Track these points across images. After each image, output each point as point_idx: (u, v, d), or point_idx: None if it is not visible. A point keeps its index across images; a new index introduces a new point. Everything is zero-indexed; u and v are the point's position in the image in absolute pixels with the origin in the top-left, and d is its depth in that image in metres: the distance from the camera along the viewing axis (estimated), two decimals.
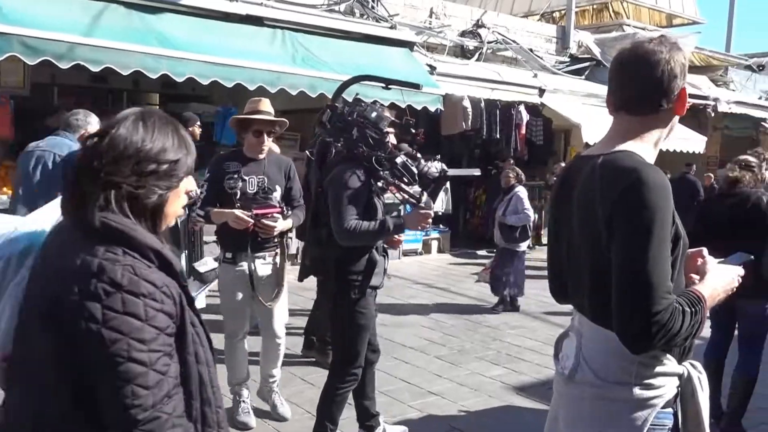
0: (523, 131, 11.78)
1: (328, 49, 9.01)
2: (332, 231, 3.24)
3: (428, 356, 5.76)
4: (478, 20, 12.34)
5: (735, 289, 1.84)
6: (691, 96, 9.88)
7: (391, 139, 3.39)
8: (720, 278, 1.79)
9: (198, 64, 7.29)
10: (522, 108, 11.63)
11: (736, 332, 4.60)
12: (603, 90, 10.83)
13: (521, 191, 7.68)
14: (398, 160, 3.23)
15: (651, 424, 1.74)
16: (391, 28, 10.39)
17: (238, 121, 4.09)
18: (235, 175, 4.00)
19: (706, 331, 6.29)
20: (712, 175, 14.14)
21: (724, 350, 4.63)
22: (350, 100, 3.60)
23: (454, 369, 5.47)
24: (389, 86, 3.74)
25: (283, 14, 8.90)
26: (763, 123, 17.48)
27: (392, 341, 6.01)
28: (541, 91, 11.75)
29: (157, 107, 10.49)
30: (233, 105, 9.39)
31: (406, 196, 3.31)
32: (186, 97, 10.27)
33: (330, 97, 5.69)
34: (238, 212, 3.88)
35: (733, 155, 6.74)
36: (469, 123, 10.65)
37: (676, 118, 1.82)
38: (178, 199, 1.51)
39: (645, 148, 1.80)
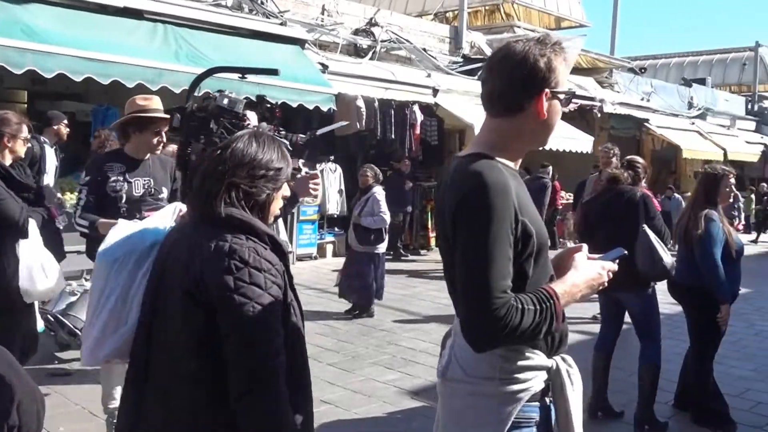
0: (418, 131, 11.94)
1: (215, 45, 8.77)
2: None
3: (321, 364, 5.68)
4: (371, 19, 12.40)
5: (606, 283, 1.88)
6: (579, 97, 10.42)
7: (253, 121, 3.30)
8: (582, 274, 1.83)
9: (69, 59, 6.88)
10: (416, 108, 11.80)
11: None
12: None
13: (378, 192, 7.44)
14: None
15: (516, 418, 1.77)
16: (281, 24, 10.25)
17: (135, 119, 3.82)
18: (120, 178, 3.77)
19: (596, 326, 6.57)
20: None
21: (611, 343, 4.85)
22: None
23: (348, 376, 5.44)
24: (244, 76, 3.64)
25: (166, 8, 8.58)
26: (645, 123, 18.63)
27: None
28: (435, 91, 11.96)
29: (25, 105, 9.94)
30: (111, 104, 8.94)
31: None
32: (59, 95, 9.68)
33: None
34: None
35: (619, 154, 7.18)
36: (363, 123, 10.67)
37: (545, 120, 1.81)
38: (279, 199, 1.94)
39: (502, 148, 1.82)
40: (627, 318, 4.85)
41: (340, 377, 5.39)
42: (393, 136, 11.41)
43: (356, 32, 12.25)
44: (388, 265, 10.94)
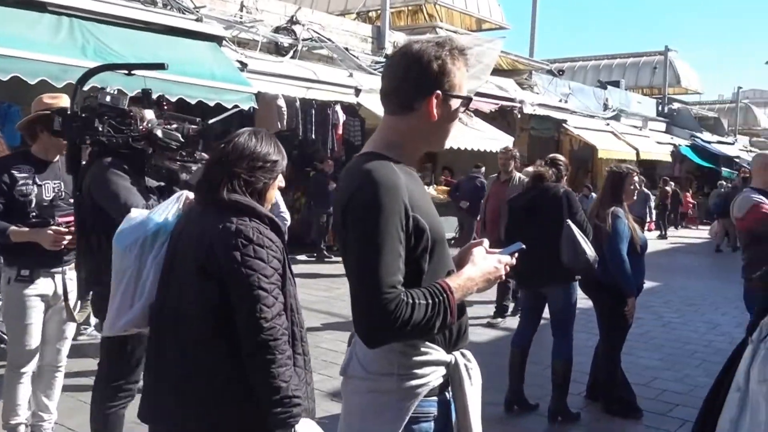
0: (340, 131, 11.92)
1: (126, 41, 8.47)
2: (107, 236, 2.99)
3: None
4: (292, 17, 12.30)
5: (504, 277, 1.92)
6: (499, 98, 10.64)
7: (149, 117, 3.21)
8: (479, 268, 1.86)
9: None
10: (338, 108, 11.77)
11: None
12: None
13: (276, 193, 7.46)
14: (157, 132, 3.05)
15: (414, 413, 1.79)
16: (197, 20, 10.03)
17: (44, 117, 3.57)
18: (29, 181, 3.57)
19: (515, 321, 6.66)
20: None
21: (528, 338, 4.98)
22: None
23: None
24: (132, 72, 3.53)
25: (71, 0, 8.22)
26: (564, 124, 19.24)
27: None
28: (357, 91, 11.96)
29: None
30: (12, 101, 8.50)
31: (191, 162, 3.15)
32: None
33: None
34: (53, 229, 3.46)
35: (539, 154, 7.40)
36: (285, 123, 10.56)
37: (437, 121, 1.83)
38: (275, 188, 2.29)
39: (396, 147, 1.84)
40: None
41: None
42: (315, 137, 11.35)
43: (277, 30, 12.12)
44: (312, 267, 10.92)
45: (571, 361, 4.79)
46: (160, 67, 3.44)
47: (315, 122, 11.21)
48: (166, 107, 3.30)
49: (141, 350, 2.97)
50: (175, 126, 3.09)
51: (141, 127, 3.11)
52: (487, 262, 1.89)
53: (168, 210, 2.43)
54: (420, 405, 1.80)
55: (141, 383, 2.69)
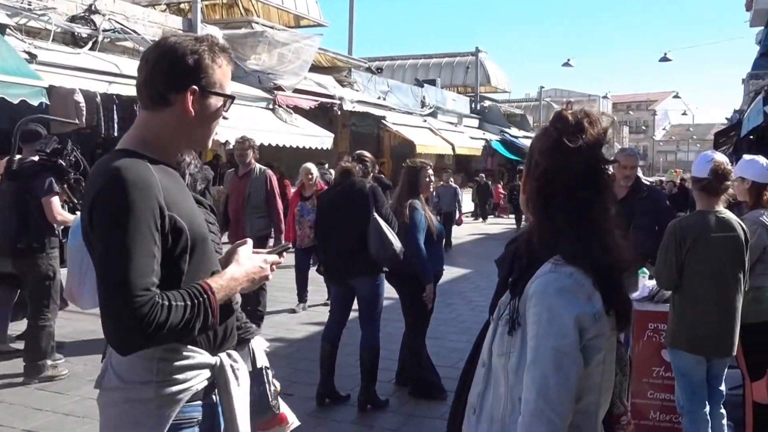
0: None
1: None
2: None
3: (28, 388, 5.12)
4: (90, 5, 11.50)
5: (269, 277, 1.92)
6: (319, 95, 10.60)
7: None
8: (243, 268, 1.85)
9: None
10: None
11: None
12: (232, 86, 10.95)
13: None
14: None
15: (176, 420, 1.74)
16: None
17: None
18: None
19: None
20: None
21: (338, 332, 5.05)
22: None
23: (59, 399, 4.96)
24: None
25: None
26: (383, 121, 19.80)
27: None
28: None
29: None
30: None
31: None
32: None
33: None
34: None
35: (361, 150, 7.48)
36: (84, 119, 9.84)
37: (194, 118, 1.79)
38: None
39: (151, 144, 1.79)
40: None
41: (49, 401, 4.90)
42: (119, 134, 10.69)
43: (73, 19, 11.28)
44: None
45: (378, 350, 4.94)
46: None
47: (119, 119, 10.56)
48: None
49: None
50: None
51: None
52: (252, 261, 1.88)
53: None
54: (182, 411, 1.76)
55: None
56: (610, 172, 1.78)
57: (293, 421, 2.71)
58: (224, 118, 1.89)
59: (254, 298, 6.44)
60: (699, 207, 3.62)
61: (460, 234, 17.15)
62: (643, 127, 79.19)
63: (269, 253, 1.96)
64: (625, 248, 1.76)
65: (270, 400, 2.60)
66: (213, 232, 2.67)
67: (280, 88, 15.07)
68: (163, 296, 1.61)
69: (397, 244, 4.68)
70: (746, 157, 4.36)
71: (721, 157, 3.64)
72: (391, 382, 5.38)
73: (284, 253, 2.00)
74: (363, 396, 4.87)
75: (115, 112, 10.54)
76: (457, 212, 15.22)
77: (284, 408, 2.68)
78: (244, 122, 12.94)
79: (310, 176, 8.26)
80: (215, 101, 1.82)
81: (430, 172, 5.16)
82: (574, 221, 1.68)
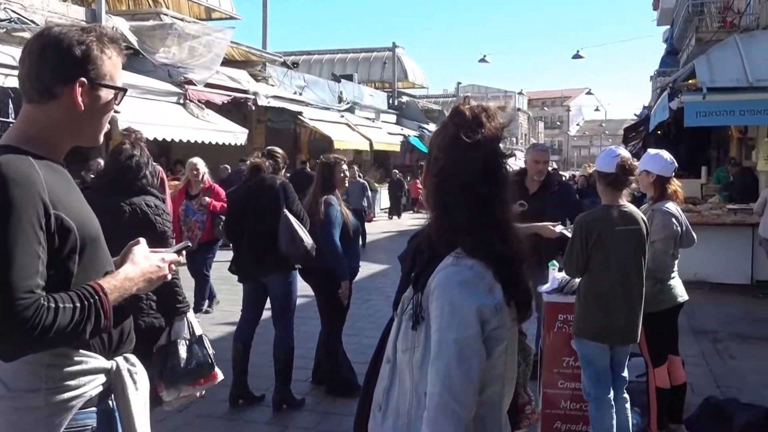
0: None
1: None
2: None
3: None
4: None
5: (168, 276, 1.87)
6: (231, 89, 10.31)
7: None
8: (139, 267, 1.80)
9: None
10: None
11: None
12: (140, 80, 10.55)
13: None
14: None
15: (68, 428, 1.68)
16: None
17: None
18: None
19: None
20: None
21: (250, 333, 4.96)
22: None
23: None
24: None
25: None
26: (299, 116, 19.62)
27: None
28: None
29: None
30: None
31: None
32: None
33: None
34: None
35: (278, 146, 7.33)
36: None
37: (84, 111, 1.73)
38: None
39: (37, 140, 1.71)
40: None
41: None
42: None
43: None
44: None
45: (292, 348, 4.90)
46: None
47: (15, 113, 10.03)
48: None
49: None
50: None
51: None
52: (149, 261, 1.83)
53: None
54: (74, 418, 1.69)
55: None
56: (509, 167, 1.82)
57: (221, 375, 3.36)
58: (116, 111, 1.83)
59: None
60: (604, 201, 3.75)
61: (376, 230, 17.24)
62: (558, 123, 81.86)
63: (168, 251, 1.91)
64: (523, 240, 1.80)
65: (211, 361, 3.31)
66: (166, 223, 3.43)
67: (191, 83, 14.70)
68: (50, 298, 1.54)
69: (308, 240, 4.65)
70: (651, 151, 4.57)
71: (626, 153, 3.80)
72: (307, 380, 5.35)
73: (184, 252, 1.95)
74: (278, 395, 4.83)
75: (10, 106, 10.02)
76: (367, 208, 15.13)
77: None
78: (153, 117, 12.56)
79: (195, 172, 7.51)
80: (106, 94, 1.76)
81: (345, 167, 5.15)
82: (474, 215, 1.70)
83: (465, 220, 1.70)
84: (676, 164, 4.38)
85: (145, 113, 12.43)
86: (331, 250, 4.84)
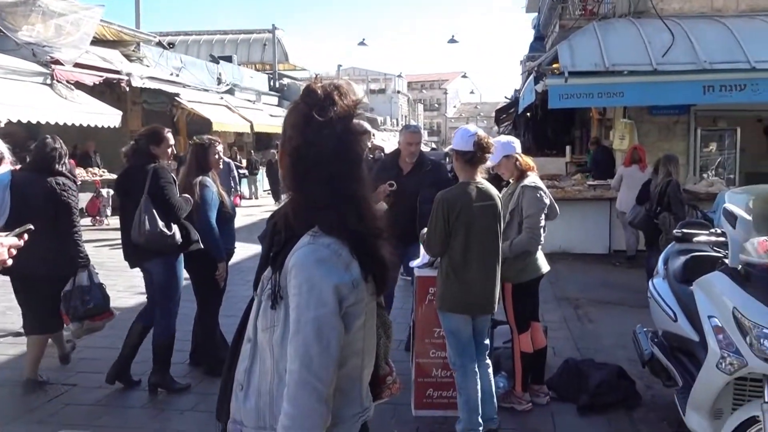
0: None
1: None
2: None
3: None
4: None
5: (7, 262, 1.76)
6: (103, 70, 9.75)
7: None
8: None
9: None
10: None
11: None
12: (12, 62, 9.81)
13: None
14: None
15: None
16: None
17: None
18: None
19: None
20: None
21: (150, 317, 4.83)
22: None
23: None
24: None
25: None
26: (177, 98, 18.90)
27: None
28: None
29: None
30: None
31: None
32: None
33: None
34: None
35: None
36: None
37: None
38: None
39: None
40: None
41: None
42: None
43: None
44: None
45: (173, 334, 4.78)
46: None
47: None
48: None
49: None
50: None
51: None
52: None
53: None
54: None
55: None
56: (363, 144, 1.83)
57: (116, 313, 4.58)
58: None
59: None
60: (462, 178, 3.87)
61: (258, 212, 17.01)
62: (437, 105, 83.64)
63: (7, 235, 1.81)
64: (379, 215, 1.83)
65: (107, 303, 4.77)
66: (71, 197, 4.69)
67: (58, 62, 13.79)
68: None
69: (154, 227, 4.48)
70: (502, 138, 4.79)
71: (481, 131, 3.94)
72: (185, 363, 5.25)
73: (25, 235, 1.85)
74: (154, 379, 4.72)
75: None
76: (233, 189, 14.89)
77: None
78: (17, 98, 11.73)
79: None
80: None
81: (219, 148, 5.03)
82: (329, 193, 1.71)
83: (320, 198, 1.70)
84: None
85: (8, 94, 11.60)
86: (208, 232, 4.74)
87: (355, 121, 1.78)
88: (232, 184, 14.60)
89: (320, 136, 1.69)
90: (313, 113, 1.69)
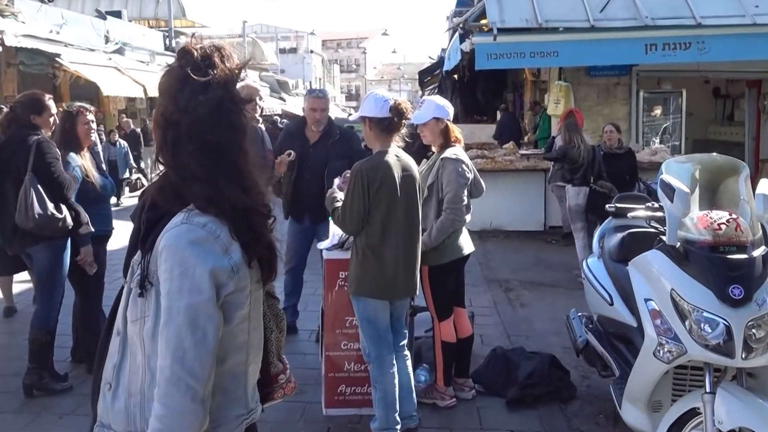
0: None
1: None
2: None
3: None
4: None
5: None
6: None
7: None
8: None
9: None
10: None
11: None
12: None
13: None
14: None
15: None
16: None
17: None
18: None
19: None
20: None
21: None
22: None
23: None
24: None
25: None
26: (58, 59, 18.11)
27: None
28: None
29: None
30: None
31: None
32: None
33: None
34: None
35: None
36: None
37: None
38: None
39: None
40: None
41: None
42: None
43: None
44: None
45: (51, 326, 4.65)
46: None
47: None
48: None
49: None
50: None
51: None
52: None
53: None
54: None
55: None
56: (248, 113, 1.78)
57: None
58: None
59: None
60: (379, 148, 3.82)
61: None
62: (355, 66, 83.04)
63: None
64: (265, 190, 1.78)
65: None
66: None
67: None
68: None
69: (43, 210, 4.35)
70: (438, 99, 4.70)
71: (395, 96, 3.91)
72: (66, 360, 5.13)
73: None
74: (29, 380, 4.57)
75: None
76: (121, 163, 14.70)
77: None
78: None
79: None
80: None
81: (90, 117, 4.84)
82: (207, 166, 1.67)
83: (195, 171, 1.66)
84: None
85: None
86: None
87: (239, 85, 1.74)
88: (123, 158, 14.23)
89: (196, 102, 1.64)
90: (190, 76, 1.64)
